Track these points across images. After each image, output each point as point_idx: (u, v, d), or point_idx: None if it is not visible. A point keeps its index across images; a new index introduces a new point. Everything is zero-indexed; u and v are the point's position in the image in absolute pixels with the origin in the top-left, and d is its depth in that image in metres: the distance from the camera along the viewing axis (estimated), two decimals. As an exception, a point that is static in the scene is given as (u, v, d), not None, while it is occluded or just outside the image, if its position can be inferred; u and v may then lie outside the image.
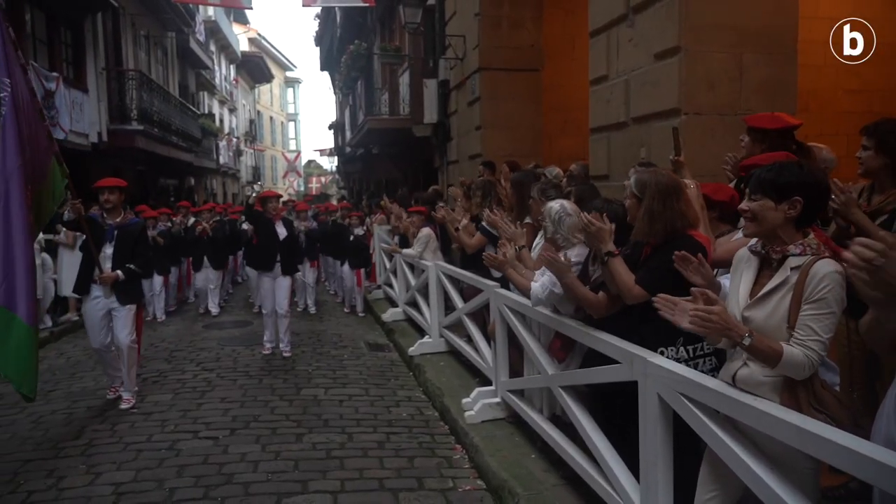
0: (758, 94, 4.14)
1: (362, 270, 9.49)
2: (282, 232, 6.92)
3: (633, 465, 2.77)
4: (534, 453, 3.98)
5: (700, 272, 2.19)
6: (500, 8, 8.29)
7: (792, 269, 1.92)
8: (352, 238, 9.49)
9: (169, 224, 9.81)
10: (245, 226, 9.47)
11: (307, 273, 9.75)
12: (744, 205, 2.07)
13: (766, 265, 2.04)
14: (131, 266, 5.19)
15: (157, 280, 9.29)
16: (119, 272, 5.13)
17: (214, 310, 9.80)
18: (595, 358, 3.13)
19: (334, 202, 17.02)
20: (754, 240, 2.06)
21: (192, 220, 10.41)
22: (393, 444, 4.53)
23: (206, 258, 9.72)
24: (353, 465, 4.16)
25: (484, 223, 5.17)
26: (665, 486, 2.45)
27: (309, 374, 6.36)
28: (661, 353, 2.49)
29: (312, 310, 9.86)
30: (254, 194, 9.24)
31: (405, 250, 7.53)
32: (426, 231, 6.98)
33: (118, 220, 5.29)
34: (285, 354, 6.88)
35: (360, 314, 9.57)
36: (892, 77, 7.39)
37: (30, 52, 10.33)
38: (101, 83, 12.73)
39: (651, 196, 2.56)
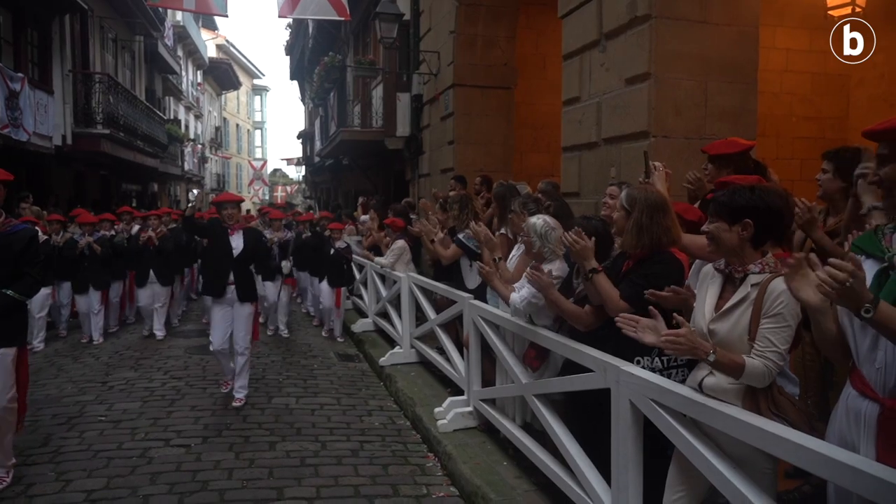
0: (721, 120, 4.39)
1: (343, 289, 8.36)
2: (237, 245, 5.52)
3: (603, 470, 2.91)
4: (506, 460, 4.09)
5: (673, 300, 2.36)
6: (475, 27, 8.49)
7: (752, 285, 2.10)
8: (332, 252, 8.21)
9: (112, 232, 8.51)
10: (148, 234, 8.23)
11: (280, 292, 8.52)
12: (704, 227, 2.25)
13: (730, 282, 2.22)
14: (9, 292, 3.71)
15: (95, 296, 8.06)
16: None
17: (159, 333, 8.32)
18: (571, 367, 3.28)
19: (300, 211, 16.58)
20: (722, 260, 2.23)
21: (136, 227, 9.07)
22: (366, 453, 4.59)
23: (151, 272, 8.27)
24: (328, 472, 4.21)
25: (460, 236, 5.31)
26: (635, 487, 2.59)
27: (279, 382, 6.36)
28: (638, 363, 2.65)
29: (285, 333, 8.63)
30: (191, 203, 6.79)
31: (377, 259, 7.60)
32: (400, 243, 7.08)
33: None
34: (235, 403, 5.46)
35: (339, 339, 8.40)
36: (842, 105, 7.85)
37: (-5, 51, 10.13)
38: (66, 85, 12.50)
39: (640, 210, 2.73)
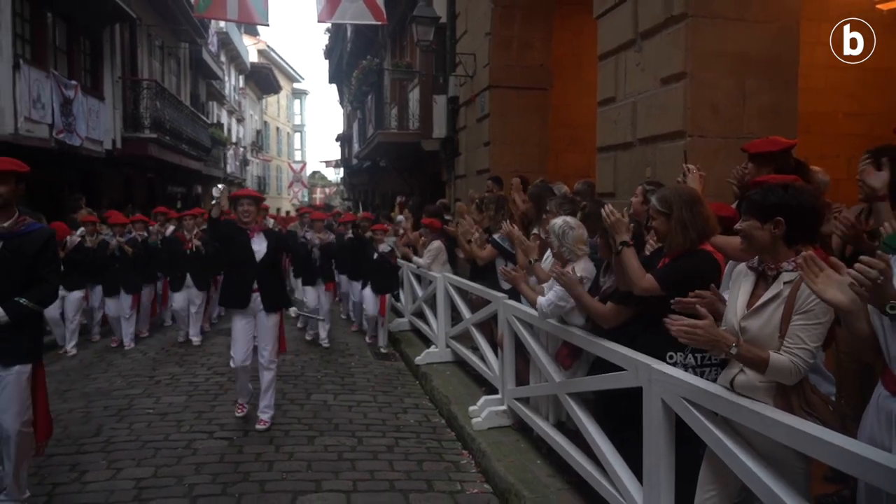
0: (760, 119, 4.33)
1: (388, 296, 7.87)
2: (259, 249, 4.95)
3: (635, 469, 2.93)
4: (539, 459, 4.12)
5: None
6: (511, 28, 8.53)
7: (785, 283, 2.10)
8: (375, 256, 7.67)
9: (145, 234, 8.20)
10: (195, 240, 7.84)
11: (321, 297, 8.00)
12: (737, 225, 2.25)
13: (762, 280, 2.22)
14: (22, 300, 3.26)
15: (126, 300, 7.76)
16: None
17: (195, 338, 7.99)
18: (601, 366, 3.30)
19: (340, 211, 16.66)
20: (756, 259, 2.23)
21: (170, 228, 8.76)
22: (402, 449, 4.67)
23: (188, 276, 7.94)
24: (364, 466, 4.31)
25: (495, 236, 5.35)
26: (667, 486, 2.60)
27: (318, 380, 6.51)
28: (670, 358, 2.65)
29: (325, 342, 7.98)
30: (215, 200, 5.14)
31: (415, 259, 7.68)
32: (437, 243, 7.16)
33: (5, 224, 3.33)
34: (259, 426, 4.88)
35: (383, 350, 7.80)
36: (890, 101, 7.60)
37: (51, 60, 10.60)
38: (116, 92, 13.01)
39: (679, 207, 2.75)
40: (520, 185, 6.52)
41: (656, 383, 2.60)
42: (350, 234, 8.31)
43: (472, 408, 4.97)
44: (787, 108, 4.44)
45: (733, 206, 3.40)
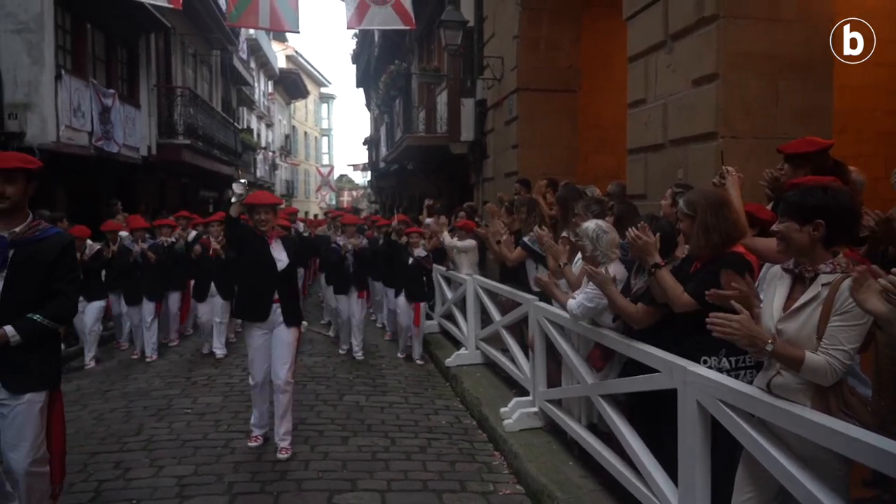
0: (794, 120, 4.29)
1: (422, 305, 7.47)
2: (280, 259, 4.60)
3: (669, 471, 2.93)
4: (571, 460, 4.14)
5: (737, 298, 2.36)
6: (539, 30, 8.54)
7: (823, 285, 2.10)
8: (410, 261, 7.32)
9: (172, 239, 7.95)
10: (213, 247, 7.36)
11: (353, 306, 7.47)
12: (774, 227, 2.25)
13: (799, 282, 2.22)
14: (37, 317, 2.87)
15: (148, 308, 7.43)
16: (8, 329, 2.80)
17: (220, 351, 7.55)
18: (633, 368, 3.31)
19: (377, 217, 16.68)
20: (791, 261, 2.23)
21: (192, 233, 8.30)
22: (434, 450, 4.73)
23: (213, 285, 7.51)
24: (398, 467, 4.38)
25: (525, 239, 5.38)
26: (703, 488, 2.61)
27: (350, 381, 6.60)
28: (704, 362, 2.66)
29: (359, 355, 7.52)
30: (236, 198, 4.48)
31: (447, 240, 7.55)
32: (472, 242, 7.20)
33: (16, 229, 2.92)
34: (282, 454, 4.47)
35: (419, 361, 7.38)
36: (931, 99, 7.42)
37: (90, 69, 10.93)
38: (151, 99, 13.35)
39: (703, 210, 2.76)
40: (543, 188, 6.54)
41: (691, 385, 2.61)
42: (382, 240, 8.02)
43: (503, 409, 5.01)
44: (822, 107, 4.39)
45: (767, 207, 3.39)
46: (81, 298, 6.25)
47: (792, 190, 2.85)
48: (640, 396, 3.34)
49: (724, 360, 2.66)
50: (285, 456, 4.47)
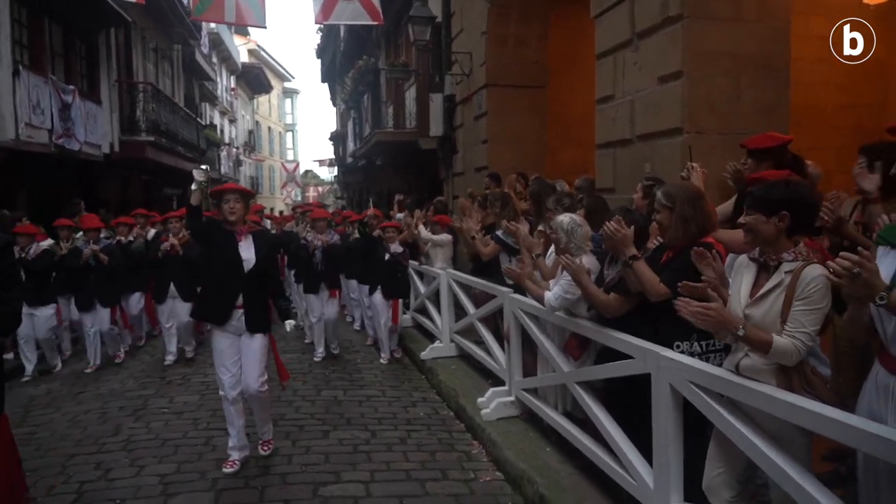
0: (754, 116, 4.49)
1: (400, 301, 7.25)
2: (247, 256, 4.17)
3: (644, 453, 3.09)
4: (548, 447, 4.28)
5: (713, 266, 2.53)
6: (507, 27, 8.65)
7: (786, 272, 2.26)
8: (386, 257, 7.05)
9: (131, 238, 7.55)
10: (170, 241, 6.81)
11: (326, 306, 7.20)
12: (741, 219, 2.41)
13: (764, 270, 2.38)
14: None
15: (104, 314, 6.95)
16: None
17: (170, 358, 7.17)
18: (608, 355, 3.46)
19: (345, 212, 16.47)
20: (757, 250, 2.39)
21: (151, 232, 7.85)
22: (414, 441, 4.83)
23: (172, 285, 6.98)
24: (380, 458, 4.46)
25: (498, 233, 5.50)
26: (676, 466, 2.77)
27: (326, 377, 6.64)
28: (677, 347, 2.81)
29: (335, 349, 7.47)
30: (197, 186, 4.11)
31: (423, 230, 7.57)
32: (447, 237, 7.28)
33: None
34: (264, 449, 4.42)
35: (396, 354, 7.35)
36: (880, 93, 7.78)
37: (48, 65, 10.64)
38: (113, 95, 13.05)
39: (682, 202, 2.91)
40: (513, 182, 6.68)
41: (664, 370, 2.76)
42: (356, 235, 7.72)
43: (480, 399, 5.13)
44: (780, 104, 4.60)
45: (731, 200, 3.57)
46: (26, 305, 5.96)
47: (753, 183, 3.03)
48: (614, 385, 3.49)
49: (696, 344, 2.81)
50: (267, 451, 4.42)
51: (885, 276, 1.88)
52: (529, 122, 8.89)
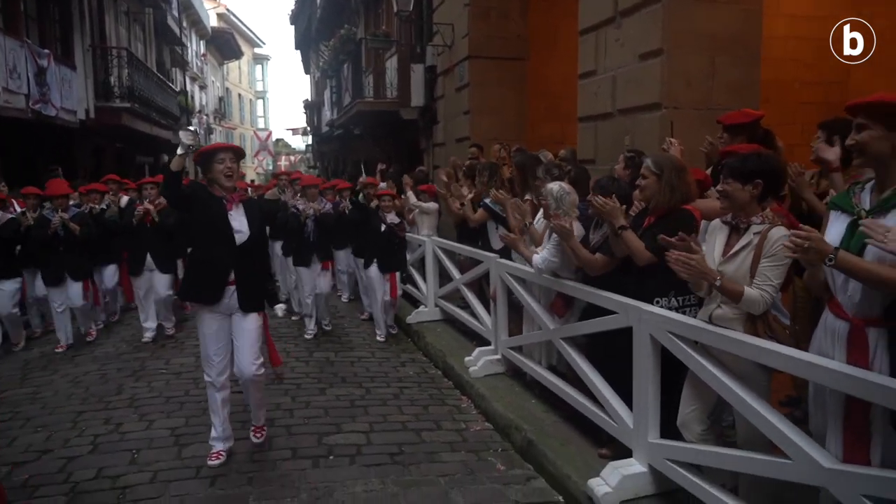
0: (728, 92, 4.81)
1: (397, 275, 6.90)
2: (240, 229, 3.79)
3: (623, 399, 3.44)
4: (533, 399, 4.64)
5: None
6: (489, 0, 8.81)
7: (755, 234, 2.59)
8: (383, 228, 6.71)
9: (104, 205, 6.99)
10: (144, 206, 6.40)
11: (318, 278, 6.74)
12: (719, 187, 2.72)
13: (735, 231, 2.71)
14: None
15: (76, 288, 6.39)
16: None
17: (149, 334, 6.71)
18: (592, 312, 3.79)
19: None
20: (729, 214, 2.71)
21: (124, 199, 7.34)
22: (406, 396, 5.15)
23: (148, 256, 6.56)
24: (376, 411, 4.77)
25: (487, 201, 5.76)
26: (654, 407, 3.12)
27: (317, 340, 6.87)
28: (657, 302, 3.14)
29: (326, 325, 7.13)
30: (186, 144, 3.59)
31: (411, 196, 7.59)
32: (434, 205, 7.49)
33: None
34: (256, 437, 4.09)
35: (392, 331, 7.01)
36: (843, 70, 8.16)
37: (23, 29, 10.44)
38: (87, 60, 12.83)
39: (670, 171, 3.20)
40: (498, 152, 6.92)
41: (645, 322, 3.09)
42: (347, 204, 7.09)
43: (467, 358, 5.46)
44: (752, 81, 4.92)
45: (707, 171, 3.89)
46: None
47: (727, 156, 3.35)
48: (596, 339, 3.82)
49: (673, 299, 3.14)
50: (260, 438, 4.04)
51: (836, 236, 2.21)
52: (510, 94, 9.11)
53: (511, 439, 4.18)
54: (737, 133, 3.72)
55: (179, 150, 3.62)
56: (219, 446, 3.92)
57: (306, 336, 6.92)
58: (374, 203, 6.79)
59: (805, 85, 7.99)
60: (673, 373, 3.07)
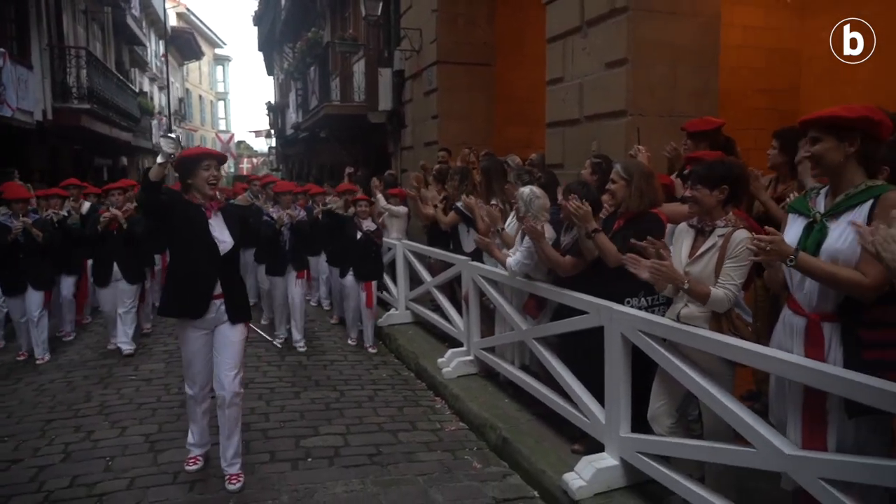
0: (689, 100, 5.03)
1: (374, 284, 6.62)
2: (223, 239, 3.64)
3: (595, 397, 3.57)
4: (507, 398, 4.76)
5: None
6: (456, 6, 8.94)
7: (719, 236, 2.75)
8: (359, 236, 6.48)
9: (65, 212, 6.55)
10: (112, 212, 6.08)
11: (292, 288, 6.50)
12: (687, 192, 2.88)
13: (700, 234, 2.87)
14: None
15: (35, 298, 6.04)
16: None
17: (126, 347, 6.29)
18: (564, 313, 3.92)
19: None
20: (695, 218, 2.87)
21: (86, 205, 7.07)
22: (381, 398, 5.20)
23: (115, 265, 6.27)
24: (352, 414, 4.82)
25: (458, 204, 5.86)
26: (625, 403, 3.26)
27: (288, 344, 6.87)
28: (628, 303, 3.29)
29: (301, 346, 6.57)
30: (167, 153, 3.34)
31: (380, 199, 7.50)
32: (404, 208, 7.57)
33: None
34: (232, 484, 3.59)
35: (371, 350, 6.56)
36: (794, 79, 8.55)
37: (-23, 28, 10.13)
38: (44, 60, 12.49)
39: (639, 177, 3.35)
40: (467, 156, 7.04)
41: (616, 321, 3.23)
42: (319, 210, 6.90)
43: (440, 360, 5.54)
44: (711, 89, 5.15)
45: (672, 177, 4.07)
46: None
47: (691, 162, 3.52)
48: (567, 339, 3.96)
49: (643, 299, 3.30)
50: (236, 486, 3.58)
51: (794, 238, 2.37)
52: (478, 99, 9.25)
53: (486, 438, 4.29)
54: (700, 140, 3.91)
55: (160, 159, 3.39)
56: (196, 451, 3.87)
57: (276, 343, 6.81)
58: (351, 210, 6.60)
59: (757, 92, 8.32)
60: (642, 369, 3.22)
